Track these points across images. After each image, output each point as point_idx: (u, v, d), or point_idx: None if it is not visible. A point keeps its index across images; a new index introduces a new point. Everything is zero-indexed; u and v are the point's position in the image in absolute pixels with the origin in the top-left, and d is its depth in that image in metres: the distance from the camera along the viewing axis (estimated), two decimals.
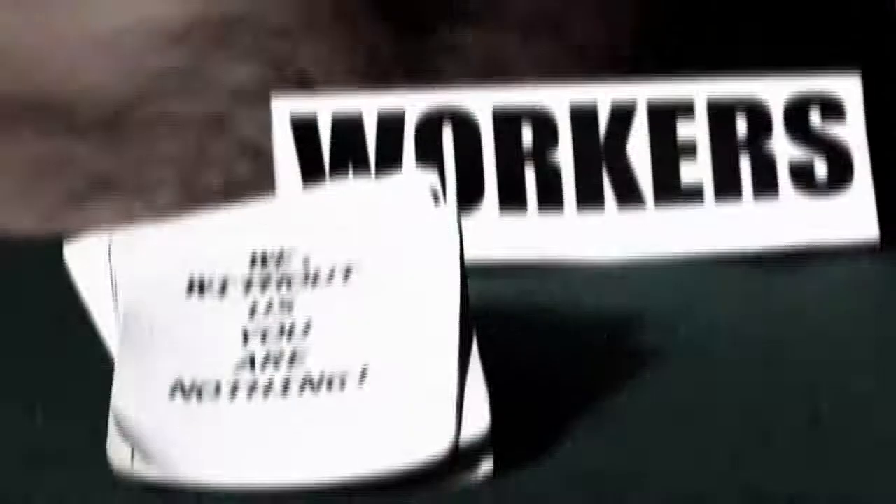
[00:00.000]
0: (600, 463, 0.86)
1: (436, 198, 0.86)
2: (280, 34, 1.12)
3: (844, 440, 0.84)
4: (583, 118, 1.00)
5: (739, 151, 1.01)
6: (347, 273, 0.86)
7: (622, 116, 1.00)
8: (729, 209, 1.01)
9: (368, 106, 1.01)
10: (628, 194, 1.01)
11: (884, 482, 0.81)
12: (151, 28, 1.15)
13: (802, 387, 0.90)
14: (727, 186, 1.00)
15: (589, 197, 1.00)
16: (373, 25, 1.11)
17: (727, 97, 1.00)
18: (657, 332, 0.95)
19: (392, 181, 0.91)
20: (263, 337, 0.84)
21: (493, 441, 0.81)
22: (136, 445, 0.83)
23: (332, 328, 0.85)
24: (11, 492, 0.83)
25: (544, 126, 1.01)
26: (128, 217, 0.90)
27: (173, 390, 0.84)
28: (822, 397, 0.88)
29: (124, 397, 0.84)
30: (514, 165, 1.00)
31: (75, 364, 0.90)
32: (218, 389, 0.84)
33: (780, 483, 0.81)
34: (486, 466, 0.81)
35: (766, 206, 1.01)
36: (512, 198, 1.00)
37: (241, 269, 0.86)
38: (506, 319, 0.86)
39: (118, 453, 0.82)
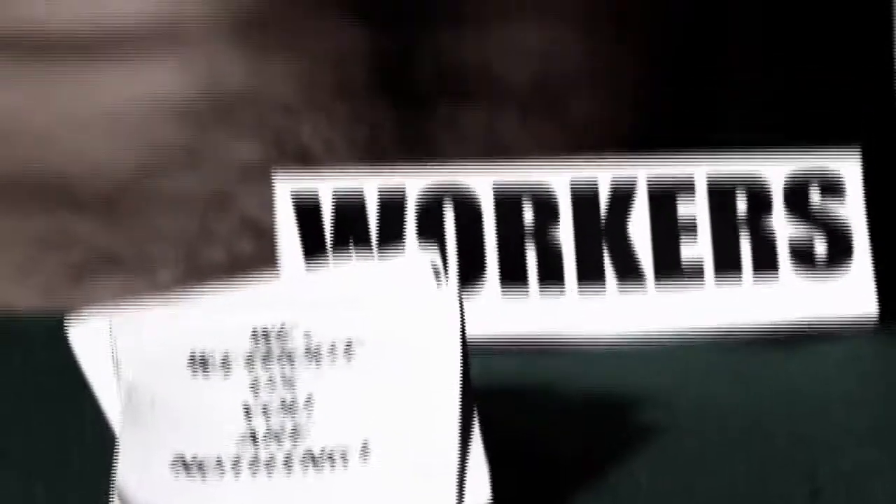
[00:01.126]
0: None
1: (437, 276, 0.86)
2: (282, 111, 1.11)
3: None
4: (583, 196, 1.00)
5: (739, 230, 1.01)
6: (348, 349, 0.86)
7: (622, 195, 1.00)
8: (729, 288, 1.01)
9: (370, 183, 1.01)
10: (629, 273, 1.01)
11: None
12: (154, 105, 1.14)
13: (802, 464, 0.91)
14: (727, 265, 1.01)
15: (589, 276, 1.01)
16: (373, 103, 1.10)
17: (727, 175, 1.00)
18: (656, 410, 0.96)
19: (394, 261, 0.93)
20: (265, 412, 0.85)
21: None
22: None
23: (333, 404, 0.86)
24: None
25: (545, 204, 1.01)
26: (130, 293, 0.90)
27: (175, 466, 0.84)
28: (820, 474, 0.88)
29: (126, 472, 0.85)
30: (515, 244, 1.00)
31: (77, 439, 0.91)
32: (220, 465, 0.85)
33: None
34: None
35: (766, 285, 1.01)
36: (513, 276, 1.00)
37: (242, 345, 0.87)
38: (507, 397, 0.86)
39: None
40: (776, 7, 1.16)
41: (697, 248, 1.02)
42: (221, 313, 0.89)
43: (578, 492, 0.88)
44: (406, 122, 1.12)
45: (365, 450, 0.85)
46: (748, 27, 1.16)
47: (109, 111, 1.17)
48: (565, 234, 1.01)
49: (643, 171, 1.01)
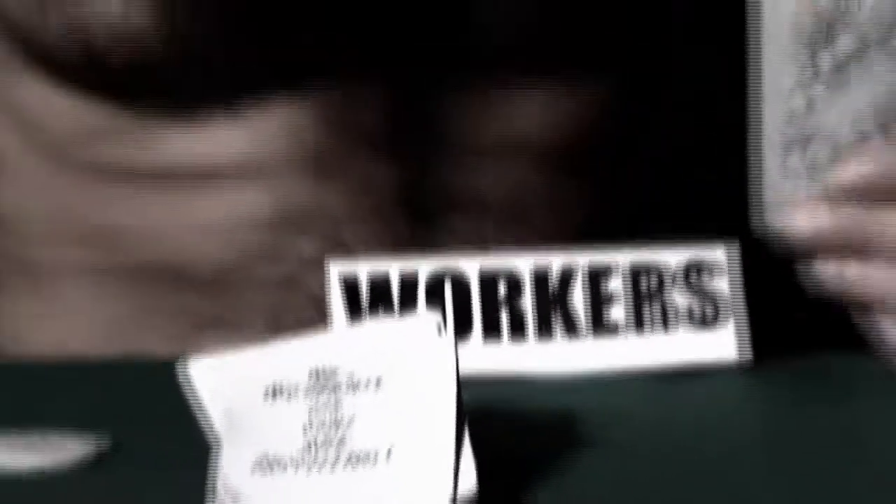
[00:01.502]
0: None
1: (439, 330, 0.85)
2: (334, 221, 1.11)
3: None
4: (540, 276, 1.00)
5: (648, 299, 1.00)
6: (378, 382, 0.85)
7: (567, 275, 0.99)
8: (640, 339, 0.99)
9: (393, 268, 1.00)
10: (572, 329, 1.00)
11: None
12: (245, 216, 1.14)
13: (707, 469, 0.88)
14: (639, 323, 0.99)
15: (544, 331, 0.99)
16: (396, 216, 1.10)
17: (639, 261, 1.00)
18: (588, 425, 0.92)
19: (409, 320, 0.92)
20: (319, 427, 0.84)
21: (479, 497, 0.81)
22: (230, 501, 0.83)
23: (366, 421, 0.84)
24: None
25: (514, 282, 1.00)
26: (227, 344, 0.89)
27: (256, 465, 0.84)
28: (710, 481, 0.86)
29: (224, 469, 0.84)
30: (493, 308, 1.00)
31: (185, 447, 0.88)
32: (287, 465, 0.84)
33: None
34: None
35: (667, 337, 1.00)
36: (491, 330, 0.99)
37: (303, 380, 0.86)
38: (488, 416, 0.86)
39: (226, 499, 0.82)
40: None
41: (618, 311, 1.00)
42: (290, 357, 0.88)
43: (540, 484, 0.87)
44: (418, 228, 1.11)
45: (389, 453, 0.83)
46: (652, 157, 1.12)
47: (212, 220, 1.14)
48: (527, 301, 1.00)
49: (582, 258, 1.00)
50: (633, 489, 0.89)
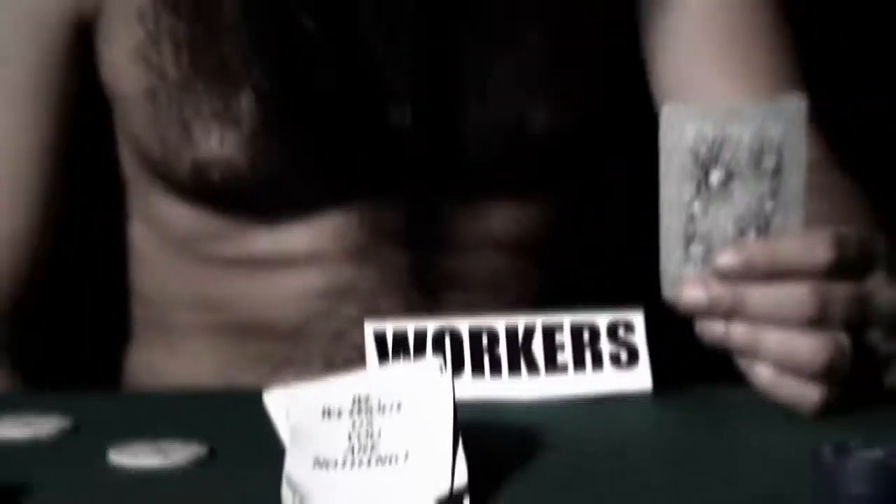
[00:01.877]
0: (537, 498, 0.85)
1: (441, 371, 0.84)
2: (369, 294, 1.08)
3: None
4: (510, 332, 0.97)
5: (584, 348, 0.97)
6: (399, 407, 0.84)
7: (529, 331, 0.98)
8: (580, 376, 0.97)
9: (409, 327, 0.98)
10: (533, 369, 0.97)
11: None
12: (308, 289, 1.11)
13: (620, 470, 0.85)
14: (579, 365, 0.97)
15: (513, 370, 0.97)
16: (411, 291, 1.08)
17: (579, 322, 0.98)
18: (547, 437, 0.90)
19: (420, 364, 0.91)
20: (358, 437, 0.83)
21: (470, 489, 0.80)
22: (294, 492, 0.81)
23: (391, 433, 0.83)
24: None
25: (492, 336, 0.97)
26: (295, 380, 0.90)
27: (314, 464, 0.83)
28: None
29: (291, 467, 0.82)
30: (478, 355, 0.97)
31: (266, 453, 0.86)
32: (335, 464, 0.83)
33: None
34: (466, 502, 0.80)
35: (599, 375, 0.97)
36: (477, 370, 0.97)
37: (347, 404, 0.85)
38: (475, 429, 0.84)
39: (287, 499, 0.81)
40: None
41: (565, 357, 0.97)
42: (338, 388, 0.86)
43: (515, 476, 0.85)
44: (426, 299, 1.08)
45: (406, 455, 0.82)
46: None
47: (287, 292, 1.11)
48: (502, 350, 0.97)
49: (539, 320, 0.98)
50: (567, 472, 0.88)
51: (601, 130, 1.09)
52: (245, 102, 1.01)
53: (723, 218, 0.89)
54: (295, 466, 0.82)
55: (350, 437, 0.83)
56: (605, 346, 0.95)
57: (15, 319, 1.08)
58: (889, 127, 1.23)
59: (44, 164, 1.08)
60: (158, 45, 1.02)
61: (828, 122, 0.96)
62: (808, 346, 0.87)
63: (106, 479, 0.86)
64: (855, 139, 1.04)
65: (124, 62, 1.03)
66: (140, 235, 1.12)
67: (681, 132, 0.89)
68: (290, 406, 0.86)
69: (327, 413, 0.84)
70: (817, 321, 0.86)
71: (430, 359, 0.93)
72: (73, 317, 1.14)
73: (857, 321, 0.88)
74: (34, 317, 1.10)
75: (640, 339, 0.95)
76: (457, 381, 0.87)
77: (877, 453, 0.75)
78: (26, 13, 1.03)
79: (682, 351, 0.93)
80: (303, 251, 1.06)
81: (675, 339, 0.94)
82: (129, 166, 1.10)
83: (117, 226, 1.15)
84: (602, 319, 0.96)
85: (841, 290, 0.87)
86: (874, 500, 0.75)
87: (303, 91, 1.02)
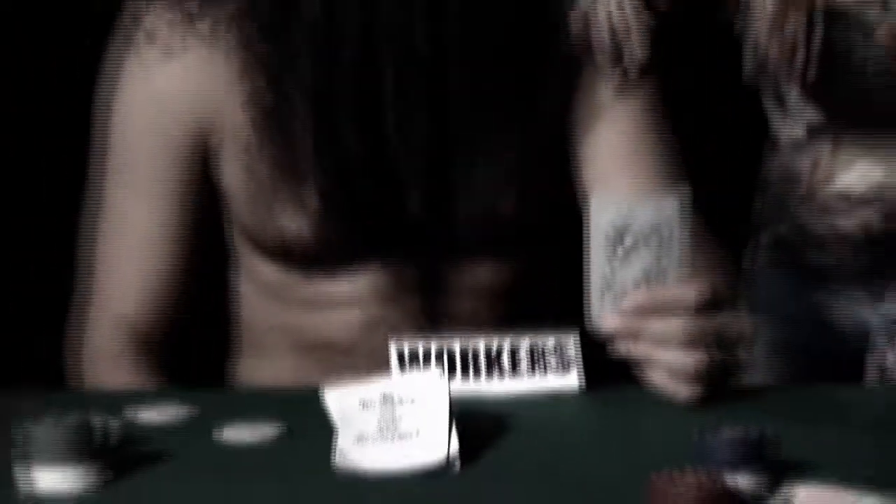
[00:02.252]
0: (505, 461, 0.83)
1: (441, 376, 0.84)
2: (393, 324, 1.04)
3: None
4: (487, 349, 0.94)
5: (537, 359, 0.94)
6: (413, 400, 0.83)
7: (500, 348, 0.94)
8: (534, 378, 0.94)
9: (419, 346, 0.95)
10: (501, 373, 0.94)
11: None
12: (353, 320, 1.06)
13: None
14: (533, 370, 0.94)
15: (489, 374, 0.94)
16: (421, 323, 1.04)
17: (535, 342, 0.94)
18: (512, 417, 0.88)
19: (426, 372, 0.91)
20: (384, 421, 0.82)
21: (460, 455, 0.79)
22: (343, 458, 0.81)
23: (407, 418, 0.82)
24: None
25: (475, 352, 0.94)
26: (345, 381, 0.86)
27: (355, 441, 0.82)
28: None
29: (341, 443, 0.82)
30: (466, 364, 0.94)
31: (326, 431, 0.84)
32: (370, 439, 0.82)
33: None
34: (457, 465, 0.80)
35: (548, 377, 0.94)
36: (465, 375, 0.94)
37: (377, 398, 0.83)
38: (464, 414, 0.83)
39: (339, 462, 0.81)
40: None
41: (524, 365, 0.94)
42: (372, 388, 0.84)
43: (489, 449, 0.83)
44: (430, 329, 1.02)
45: (418, 432, 0.81)
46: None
47: (341, 322, 1.07)
48: (481, 361, 0.94)
49: (507, 340, 0.95)
50: (523, 439, 0.86)
51: (551, 214, 1.07)
52: (310, 194, 0.99)
53: (628, 275, 0.89)
54: (342, 440, 0.83)
55: (379, 421, 0.83)
56: (551, 358, 0.94)
57: (158, 341, 1.06)
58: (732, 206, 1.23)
59: (172, 239, 1.04)
60: (256, 159, 1.00)
61: (698, 206, 0.95)
62: (683, 360, 0.87)
63: (216, 452, 0.84)
64: (716, 216, 1.03)
65: (233, 170, 1.02)
66: (243, 284, 1.10)
67: (600, 216, 0.88)
68: (339, 399, 0.84)
69: (363, 404, 0.84)
70: (689, 343, 0.87)
71: (433, 368, 0.93)
72: (197, 337, 1.10)
73: (715, 343, 0.87)
74: (172, 339, 1.08)
75: (574, 353, 0.94)
76: (451, 383, 0.87)
77: (736, 431, 0.76)
78: (168, 144, 1.01)
79: (604, 362, 0.93)
80: (349, 295, 1.04)
81: (600, 353, 0.92)
82: (236, 237, 1.07)
83: (228, 276, 1.12)
84: (549, 339, 0.94)
85: (704, 323, 0.87)
86: (733, 464, 0.74)
87: (349, 186, 1.00)
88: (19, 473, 0.74)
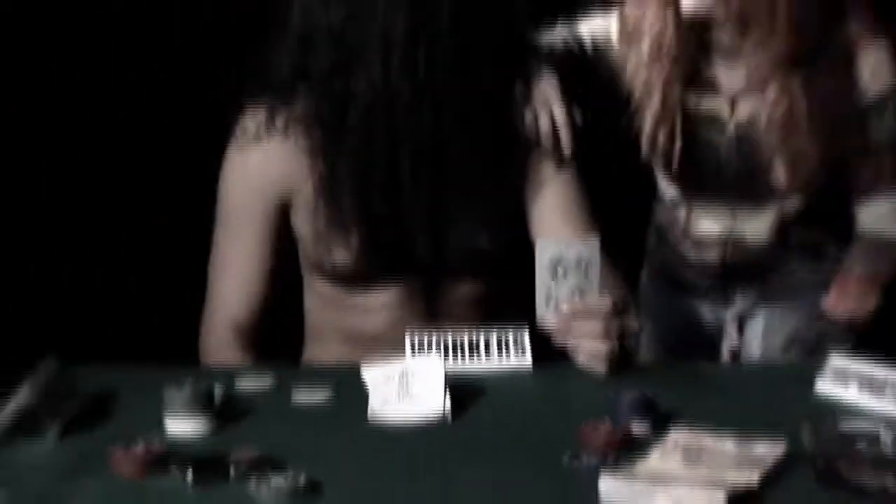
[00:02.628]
0: (481, 415, 0.80)
1: (439, 358, 0.84)
2: (409, 324, 0.96)
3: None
4: (469, 340, 0.90)
5: (503, 346, 0.90)
6: (420, 375, 0.82)
7: (476, 340, 0.90)
8: (500, 359, 0.90)
9: (426, 338, 0.90)
10: (477, 358, 0.90)
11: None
12: (381, 322, 1.01)
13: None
14: (499, 354, 0.90)
15: (472, 357, 0.90)
16: (427, 324, 0.98)
17: (501, 335, 0.90)
18: (484, 386, 0.85)
19: (428, 357, 0.88)
20: (400, 388, 0.81)
21: (451, 411, 0.78)
22: (374, 415, 0.80)
23: (416, 385, 0.81)
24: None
25: (462, 342, 0.91)
26: (375, 361, 0.85)
27: (381, 403, 0.80)
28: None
29: (372, 405, 0.80)
30: (455, 350, 0.91)
31: (364, 397, 0.82)
32: (390, 401, 0.81)
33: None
34: (449, 418, 0.78)
35: (507, 359, 0.90)
36: (455, 357, 0.90)
37: (396, 374, 0.82)
38: (453, 385, 0.82)
39: (373, 415, 0.79)
40: None
41: (493, 351, 0.90)
42: (393, 366, 0.84)
43: (473, 410, 0.79)
44: (432, 326, 0.96)
45: (423, 396, 0.81)
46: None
47: (375, 323, 1.00)
48: (465, 347, 0.91)
49: (483, 334, 0.90)
50: (492, 399, 0.83)
51: (513, 249, 1.01)
52: (352, 239, 0.97)
53: (562, 291, 0.89)
54: (373, 401, 0.84)
55: (397, 388, 0.83)
56: (511, 346, 0.92)
57: (253, 334, 1.02)
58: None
59: (267, 262, 1.00)
60: (316, 215, 0.98)
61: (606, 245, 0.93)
62: (599, 347, 0.88)
63: (289, 409, 0.83)
64: (618, 251, 1.00)
65: (301, 222, 1.00)
66: (308, 296, 1.05)
67: (544, 251, 0.88)
68: (371, 374, 0.84)
69: (387, 377, 0.85)
70: (602, 336, 0.88)
71: (434, 353, 0.91)
72: (279, 331, 1.04)
73: (620, 335, 0.88)
74: (263, 332, 1.02)
75: (527, 342, 0.92)
76: (445, 363, 0.85)
77: (634, 393, 0.76)
78: (258, 200, 0.98)
79: (547, 349, 0.92)
80: (378, 304, 1.01)
81: (543, 343, 0.92)
82: (304, 264, 1.04)
83: (300, 290, 1.06)
84: (510, 332, 0.93)
85: (611, 323, 0.88)
86: (632, 416, 0.75)
87: (378, 233, 0.97)
88: (165, 421, 0.76)
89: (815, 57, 0.91)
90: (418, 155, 0.94)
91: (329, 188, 0.96)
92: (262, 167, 0.97)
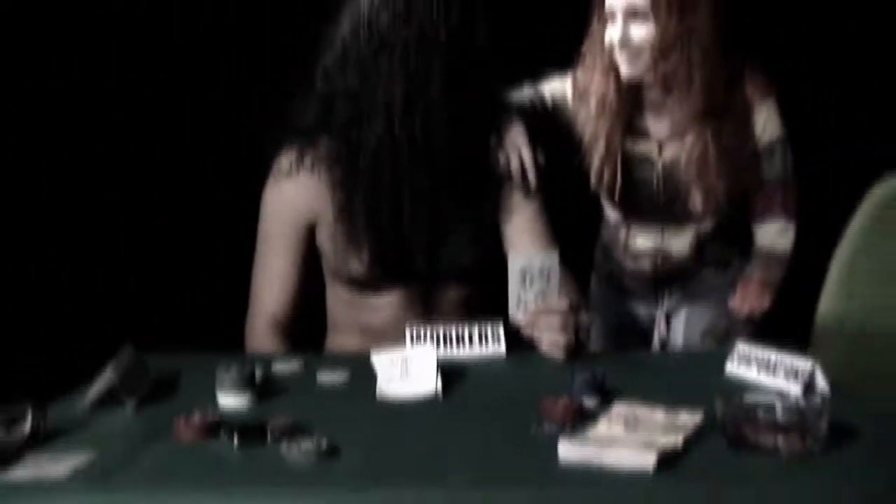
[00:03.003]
0: (465, 393, 0.77)
1: (433, 348, 0.81)
2: (409, 319, 0.95)
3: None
4: (457, 332, 0.88)
5: (484, 337, 0.87)
6: (417, 360, 0.79)
7: (464, 331, 0.88)
8: (482, 348, 0.88)
9: (422, 331, 0.88)
10: (465, 345, 0.87)
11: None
12: (388, 316, 0.99)
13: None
14: (482, 343, 0.88)
15: (460, 346, 0.88)
16: (424, 320, 0.95)
17: (482, 329, 0.88)
18: (468, 368, 0.83)
19: (424, 346, 0.85)
20: (402, 370, 0.79)
21: (442, 390, 0.76)
22: (382, 394, 0.77)
23: (415, 370, 0.79)
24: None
25: (450, 334, 0.88)
26: (382, 349, 0.82)
27: (387, 382, 0.78)
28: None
29: (380, 383, 0.78)
30: (447, 341, 0.88)
31: (373, 377, 0.80)
32: (394, 381, 0.78)
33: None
34: (440, 395, 0.77)
35: (486, 347, 0.88)
36: (446, 346, 0.88)
37: (399, 360, 0.79)
38: (443, 369, 0.80)
39: (380, 393, 0.77)
40: None
41: (474, 340, 0.88)
42: (395, 353, 0.81)
43: (463, 392, 0.76)
44: (427, 322, 0.93)
45: (419, 377, 0.79)
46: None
47: (381, 317, 0.99)
48: (453, 338, 0.88)
49: (467, 328, 0.88)
50: (475, 380, 0.81)
51: (491, 262, 1.00)
52: (365, 252, 0.97)
53: (530, 295, 0.89)
54: (381, 381, 0.82)
55: (400, 371, 0.82)
56: (489, 337, 0.90)
57: (287, 327, 1.00)
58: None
59: (297, 269, 0.99)
60: (336, 234, 0.97)
61: (564, 258, 0.91)
62: (558, 338, 0.88)
63: (314, 388, 0.81)
64: (573, 262, 0.99)
65: (324, 239, 0.99)
66: (330, 297, 1.03)
67: (515, 262, 0.91)
68: (379, 359, 0.82)
69: (392, 362, 0.83)
70: (560, 329, 0.88)
71: (428, 343, 0.89)
72: (307, 324, 1.02)
73: (574, 328, 0.88)
74: (295, 325, 1.00)
75: (501, 335, 0.90)
76: (437, 351, 0.83)
77: (586, 374, 0.77)
78: (290, 222, 0.98)
79: (517, 340, 0.90)
80: (385, 304, 0.99)
81: (514, 335, 0.90)
82: (326, 272, 1.02)
83: (324, 292, 1.04)
84: (488, 326, 0.91)
85: (567, 319, 0.88)
86: (584, 392, 0.74)
87: (385, 251, 0.96)
88: (216, 396, 0.76)
89: (723, 112, 0.97)
90: (417, 190, 0.94)
91: (346, 214, 0.96)
92: (294, 197, 0.98)
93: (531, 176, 0.97)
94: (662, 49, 0.92)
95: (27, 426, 0.62)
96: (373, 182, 0.94)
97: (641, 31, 0.92)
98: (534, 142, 0.97)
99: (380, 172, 0.93)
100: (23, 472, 0.56)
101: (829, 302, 0.83)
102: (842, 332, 0.81)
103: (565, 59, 1.04)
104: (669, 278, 1.11)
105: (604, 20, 0.96)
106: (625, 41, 0.92)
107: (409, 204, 0.94)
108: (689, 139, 0.97)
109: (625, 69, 0.95)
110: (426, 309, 1.00)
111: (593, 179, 1.05)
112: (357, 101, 0.91)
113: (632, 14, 0.92)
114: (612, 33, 0.94)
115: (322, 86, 0.93)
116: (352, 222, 0.96)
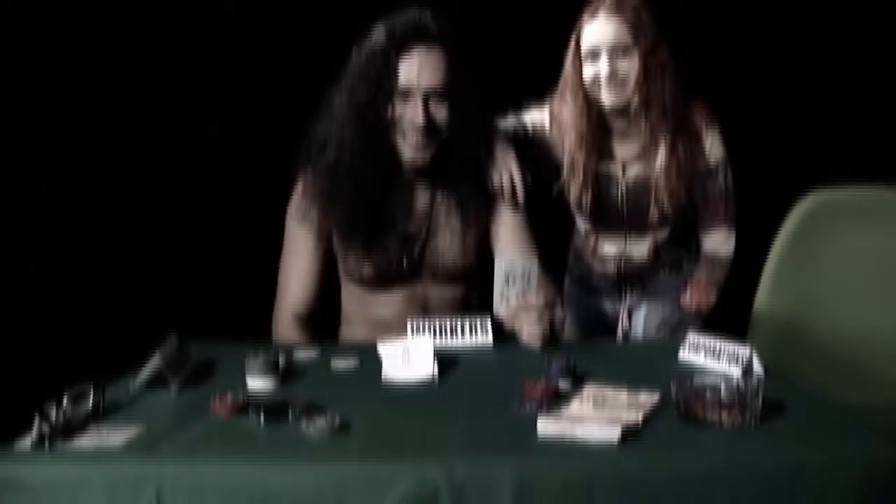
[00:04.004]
0: (457, 377, 0.76)
1: (431, 338, 0.79)
2: (412, 313, 0.95)
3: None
4: (450, 325, 0.87)
5: (473, 328, 0.86)
6: (416, 349, 0.78)
7: (456, 324, 0.87)
8: (471, 338, 0.87)
9: (421, 324, 0.87)
10: (456, 336, 0.86)
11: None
12: (394, 312, 0.98)
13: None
14: (471, 333, 0.87)
15: (453, 336, 0.86)
16: (422, 314, 0.95)
17: (472, 321, 0.87)
18: (460, 356, 0.82)
19: (422, 336, 0.83)
20: (404, 357, 0.78)
21: (438, 375, 0.74)
22: (387, 380, 0.76)
23: (416, 357, 0.77)
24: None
25: (444, 326, 0.86)
26: (387, 339, 0.81)
27: (389, 368, 0.77)
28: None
29: (386, 369, 0.77)
30: (442, 331, 0.87)
31: (378, 363, 0.78)
32: (396, 366, 0.76)
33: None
34: (436, 380, 0.75)
35: (475, 337, 0.86)
36: (441, 337, 0.86)
37: (401, 349, 0.77)
38: (439, 356, 0.79)
39: (386, 377, 0.75)
40: None
41: (467, 331, 0.87)
42: (398, 343, 0.80)
43: (460, 378, 0.74)
44: (425, 315, 0.93)
45: (419, 363, 0.77)
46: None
47: (389, 312, 0.98)
48: (447, 330, 0.86)
49: (459, 321, 0.88)
50: (466, 366, 0.80)
51: (481, 263, 0.99)
52: (370, 259, 0.97)
53: (512, 293, 0.88)
54: (385, 367, 0.81)
55: (402, 358, 0.81)
56: (478, 329, 0.89)
57: (307, 319, 0.99)
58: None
59: (316, 271, 0.98)
60: (344, 244, 0.97)
61: (543, 261, 0.90)
62: (536, 330, 0.87)
63: (328, 373, 0.80)
64: (550, 264, 0.96)
65: (337, 243, 0.99)
66: (343, 292, 1.02)
67: (500, 265, 0.88)
68: (384, 348, 0.81)
69: (395, 351, 0.79)
70: (537, 322, 0.87)
71: (426, 334, 0.88)
72: (324, 317, 1.00)
73: (550, 322, 0.88)
74: (314, 317, 0.99)
75: (488, 326, 0.90)
76: (434, 340, 0.83)
77: (560, 360, 0.76)
78: (310, 228, 0.97)
79: (501, 331, 0.89)
80: (391, 300, 0.99)
81: (499, 327, 0.88)
82: (341, 272, 1.01)
83: (339, 289, 1.03)
84: (476, 319, 0.90)
85: (546, 313, 0.88)
86: (559, 376, 0.74)
87: (387, 257, 0.96)
88: (246, 380, 0.76)
89: (676, 136, 0.99)
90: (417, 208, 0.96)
91: (347, 233, 0.96)
92: (312, 207, 0.98)
93: (518, 192, 0.97)
94: (644, 78, 0.94)
95: (89, 403, 0.64)
96: (363, 216, 0.93)
97: (625, 64, 0.95)
98: (520, 163, 0.97)
99: (364, 210, 0.93)
100: (87, 441, 0.59)
101: (763, 298, 0.90)
102: (774, 324, 0.88)
103: (542, 92, 1.05)
104: (631, 279, 1.12)
105: (578, 62, 0.98)
106: (612, 74, 0.95)
107: (403, 227, 0.96)
108: (662, 153, 0.98)
109: (610, 98, 0.97)
110: (425, 305, 0.99)
111: (572, 200, 1.06)
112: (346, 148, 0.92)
113: (618, 50, 0.94)
114: (596, 69, 0.96)
115: (321, 130, 0.94)
116: (353, 239, 0.96)
